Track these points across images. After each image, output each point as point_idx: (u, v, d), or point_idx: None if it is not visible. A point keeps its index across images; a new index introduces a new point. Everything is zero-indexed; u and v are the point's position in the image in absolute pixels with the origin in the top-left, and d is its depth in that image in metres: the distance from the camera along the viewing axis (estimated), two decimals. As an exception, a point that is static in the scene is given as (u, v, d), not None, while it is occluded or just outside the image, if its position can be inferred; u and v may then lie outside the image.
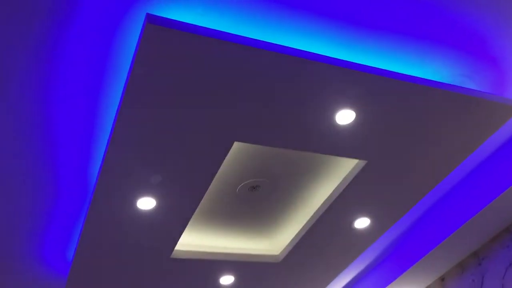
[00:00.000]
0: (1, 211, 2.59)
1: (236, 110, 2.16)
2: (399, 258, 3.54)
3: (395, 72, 2.20)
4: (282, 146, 2.43)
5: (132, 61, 1.88)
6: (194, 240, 3.12)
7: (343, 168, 2.76)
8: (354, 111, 2.28)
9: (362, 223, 3.07)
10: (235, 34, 1.92)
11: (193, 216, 2.88)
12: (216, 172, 2.47)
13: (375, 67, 2.16)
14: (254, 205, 2.93)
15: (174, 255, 3.01)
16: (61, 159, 2.38)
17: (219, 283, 3.38)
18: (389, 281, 3.59)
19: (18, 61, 1.93)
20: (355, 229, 3.11)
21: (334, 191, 2.86)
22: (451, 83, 2.37)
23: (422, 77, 2.32)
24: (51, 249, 2.92)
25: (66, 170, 2.45)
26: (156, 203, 2.59)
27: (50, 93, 2.08)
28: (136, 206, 2.58)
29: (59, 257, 3.00)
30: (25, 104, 2.09)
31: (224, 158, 2.40)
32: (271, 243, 3.29)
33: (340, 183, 2.81)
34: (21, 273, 3.05)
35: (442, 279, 3.63)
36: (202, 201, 2.78)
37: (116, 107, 2.17)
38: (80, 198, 2.63)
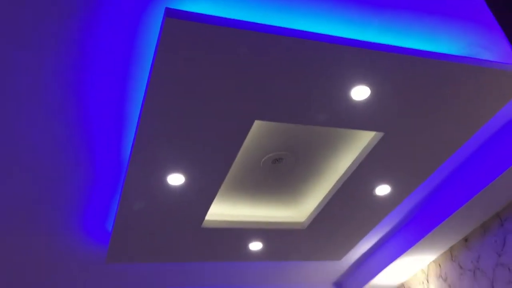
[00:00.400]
0: (43, 191, 2.81)
1: (255, 91, 2.27)
2: (423, 220, 3.62)
3: (407, 48, 2.25)
4: (300, 123, 2.54)
5: (156, 49, 1.99)
6: (223, 210, 3.30)
7: (362, 140, 2.86)
8: (369, 87, 2.36)
9: (382, 190, 3.17)
10: (252, 22, 2.01)
11: (221, 189, 3.05)
12: (239, 149, 2.61)
13: (387, 44, 2.22)
14: (278, 176, 3.07)
15: (204, 224, 3.20)
16: (96, 141, 2.55)
17: (248, 249, 3.57)
18: (414, 243, 3.69)
19: (52, 53, 2.08)
20: (376, 196, 3.22)
21: (354, 161, 2.96)
22: (466, 55, 2.41)
23: (437, 51, 2.37)
24: (92, 222, 3.14)
25: (101, 151, 2.62)
26: (185, 179, 2.76)
27: (81, 80, 2.23)
28: (167, 182, 2.76)
29: (100, 229, 3.22)
30: (59, 91, 2.24)
31: (245, 136, 2.53)
32: (296, 211, 3.44)
33: (359, 154, 2.91)
34: (66, 246, 3.29)
35: (465, 239, 3.72)
36: (229, 174, 2.94)
37: (144, 90, 2.31)
38: (115, 175, 2.81)
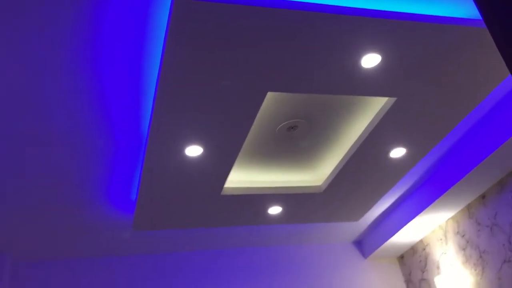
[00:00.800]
0: (71, 164, 2.93)
1: (267, 64, 2.30)
2: (440, 179, 3.67)
3: (418, 13, 2.25)
4: (313, 92, 2.57)
5: (169, 23, 2.02)
6: (241, 178, 3.39)
7: (375, 106, 2.88)
8: (380, 54, 2.37)
9: (398, 152, 3.21)
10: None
11: (239, 157, 3.14)
12: (253, 120, 2.67)
13: (397, 12, 2.22)
14: (294, 143, 3.13)
15: (224, 192, 3.31)
16: (116, 115, 2.63)
17: (268, 213, 3.68)
18: (432, 201, 3.75)
19: (70, 30, 2.14)
20: (392, 159, 3.26)
21: (368, 126, 2.99)
22: (475, 18, 2.39)
23: (448, 15, 2.35)
24: (117, 192, 3.27)
25: (121, 124, 2.71)
26: (203, 150, 2.84)
27: (98, 56, 2.29)
28: (185, 154, 2.85)
29: (124, 199, 3.36)
30: (77, 67, 2.30)
31: (259, 107, 2.58)
32: (313, 175, 3.51)
33: (373, 119, 2.94)
34: (93, 216, 3.45)
35: (482, 196, 3.76)
36: (246, 143, 3.01)
37: (159, 64, 2.36)
38: (136, 148, 2.91)
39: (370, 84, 2.57)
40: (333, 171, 3.39)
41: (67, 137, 2.72)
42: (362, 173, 3.37)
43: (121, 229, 3.67)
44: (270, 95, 2.66)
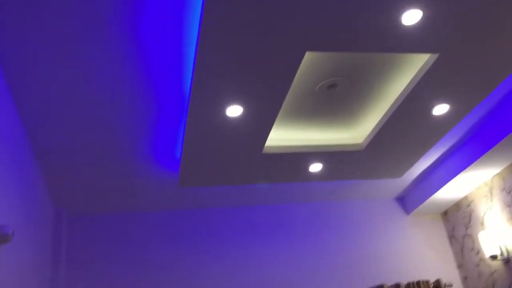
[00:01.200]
0: (118, 125, 3.05)
1: (306, 23, 2.29)
2: (486, 135, 3.58)
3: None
4: (352, 51, 2.55)
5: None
6: (283, 136, 3.43)
7: (417, 63, 2.82)
8: (421, 10, 2.30)
9: (440, 109, 3.15)
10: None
11: (280, 116, 3.17)
12: (292, 79, 2.68)
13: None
14: (334, 101, 3.13)
15: (265, 151, 3.37)
16: (158, 78, 2.70)
17: (309, 171, 3.73)
18: (477, 157, 3.68)
19: (114, 3, 2.20)
20: (435, 116, 3.21)
21: (410, 83, 2.94)
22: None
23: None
24: (162, 151, 3.39)
25: (164, 87, 2.78)
26: (243, 109, 2.89)
27: (140, 25, 2.35)
28: (226, 114, 2.91)
29: (169, 158, 3.48)
30: (122, 36, 2.38)
31: (298, 67, 2.59)
32: (354, 133, 3.51)
33: (415, 75, 2.88)
34: (141, 173, 3.61)
35: (528, 154, 3.66)
36: (286, 102, 3.04)
37: (198, 26, 2.39)
38: (178, 108, 2.99)
39: (411, 41, 2.51)
40: (374, 128, 3.37)
41: (114, 100, 2.82)
42: (404, 130, 3.34)
43: (167, 186, 3.82)
44: (309, 54, 2.65)
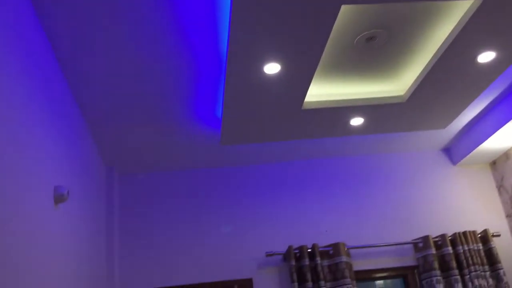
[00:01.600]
0: (159, 87, 3.13)
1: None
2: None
3: None
4: (389, 1, 2.48)
5: None
6: (322, 91, 3.42)
7: (457, 11, 2.71)
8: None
9: (486, 57, 3.04)
10: None
11: (318, 71, 3.16)
12: (329, 33, 2.65)
13: None
14: (373, 54, 3.07)
15: (304, 106, 3.38)
16: (195, 39, 2.74)
17: (350, 125, 3.72)
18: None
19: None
20: (480, 64, 3.10)
21: (453, 30, 2.84)
22: None
23: None
24: (203, 111, 3.46)
25: (200, 47, 2.82)
26: (280, 67, 2.90)
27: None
28: (264, 72, 2.93)
29: (211, 117, 3.56)
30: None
31: (334, 21, 2.55)
32: (395, 85, 3.45)
33: (459, 22, 2.78)
34: (184, 135, 3.71)
35: None
36: (324, 57, 3.02)
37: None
38: (217, 68, 3.03)
39: (452, -13, 2.41)
40: (416, 80, 3.30)
41: (154, 62, 2.89)
42: (447, 80, 3.25)
43: (210, 144, 3.91)
44: (345, 7, 2.60)
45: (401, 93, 3.47)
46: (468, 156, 4.35)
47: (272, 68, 2.90)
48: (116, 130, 3.56)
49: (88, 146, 3.46)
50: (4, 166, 1.85)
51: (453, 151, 4.56)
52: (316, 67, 2.93)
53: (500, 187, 4.46)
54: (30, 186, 2.15)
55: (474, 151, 4.24)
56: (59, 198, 2.52)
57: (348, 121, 3.67)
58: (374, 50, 3.04)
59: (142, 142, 3.77)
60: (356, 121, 3.67)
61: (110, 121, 3.43)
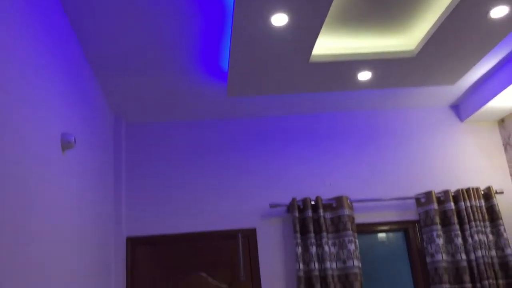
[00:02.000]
0: (164, 35, 3.11)
1: None
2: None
3: None
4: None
5: None
6: (330, 44, 3.38)
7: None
8: None
9: (499, 11, 2.96)
10: None
11: (326, 24, 3.11)
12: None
13: None
14: (383, 7, 3.01)
15: (312, 59, 3.35)
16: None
17: (357, 79, 3.69)
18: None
19: None
20: (492, 19, 3.03)
21: (466, -17, 2.77)
22: None
23: None
24: (210, 62, 3.44)
25: (207, -3, 2.80)
26: (288, 18, 2.85)
27: None
28: (271, 23, 2.88)
29: (217, 68, 3.54)
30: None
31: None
32: (405, 39, 3.39)
33: (472, -25, 2.70)
34: (190, 85, 3.71)
35: None
36: (333, 9, 2.96)
37: None
38: (223, 20, 2.99)
39: None
40: (426, 34, 3.24)
41: (160, 12, 2.86)
42: (458, 35, 3.19)
43: (217, 96, 3.92)
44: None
45: (411, 47, 3.42)
46: (476, 113, 4.33)
47: (279, 19, 2.86)
48: (123, 80, 3.57)
49: (96, 95, 3.49)
50: (11, 112, 1.88)
51: (461, 108, 4.53)
52: (324, 19, 2.88)
53: (506, 145, 4.45)
54: (37, 132, 2.19)
55: (483, 108, 4.21)
56: (66, 145, 2.56)
57: (355, 75, 3.63)
58: (384, 3, 2.97)
59: (150, 92, 3.78)
60: (364, 75, 3.64)
61: (117, 70, 3.43)
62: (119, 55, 3.25)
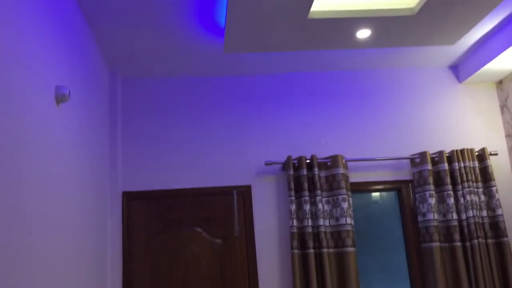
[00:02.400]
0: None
1: None
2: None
3: None
4: None
5: None
6: (330, 1, 3.31)
7: None
8: None
9: (503, -30, 2.91)
10: None
11: (326, -22, 3.04)
12: None
13: None
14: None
15: (310, 16, 3.29)
16: None
17: (356, 37, 3.64)
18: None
19: None
20: (496, -23, 2.97)
21: None
22: None
23: None
24: (206, 17, 3.37)
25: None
26: (287, -29, 2.79)
27: None
28: (270, -24, 2.82)
29: (214, 24, 3.47)
30: None
31: None
32: (406, -4, 3.33)
33: None
34: (186, 41, 3.65)
35: None
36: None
37: None
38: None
39: None
40: (427, -9, 3.18)
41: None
42: (460, -7, 3.13)
43: (213, 52, 3.87)
44: None
45: (412, 5, 3.36)
46: (474, 74, 4.30)
47: (278, -27, 2.79)
48: (119, 34, 3.51)
49: (91, 49, 3.43)
50: (4, 64, 1.85)
51: (460, 69, 4.50)
52: (324, -26, 2.81)
53: (503, 106, 4.45)
54: (31, 85, 2.17)
55: (481, 69, 4.18)
56: (60, 98, 2.54)
57: (354, 33, 3.58)
58: (387, -42, 2.90)
59: (145, 46, 3.72)
60: (363, 33, 3.59)
61: (113, 24, 3.37)
62: (115, 9, 3.18)
